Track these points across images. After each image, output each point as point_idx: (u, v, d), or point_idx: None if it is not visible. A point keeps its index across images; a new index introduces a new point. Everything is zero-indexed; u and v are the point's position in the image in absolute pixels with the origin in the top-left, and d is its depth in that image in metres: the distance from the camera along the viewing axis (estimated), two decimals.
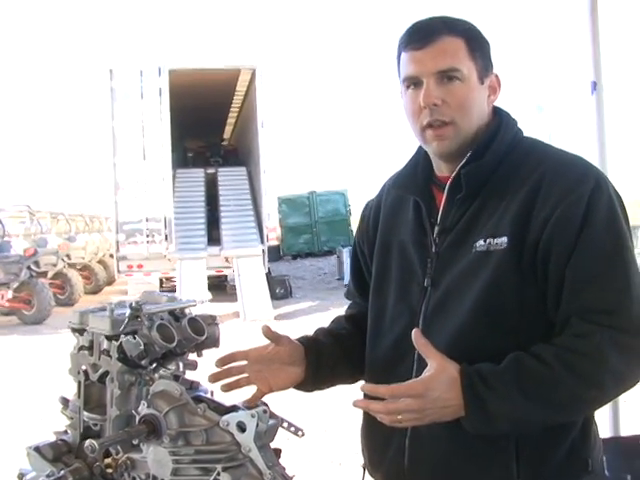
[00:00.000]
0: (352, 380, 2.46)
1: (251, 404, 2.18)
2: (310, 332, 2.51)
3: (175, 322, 2.17)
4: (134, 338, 2.05)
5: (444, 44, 2.13)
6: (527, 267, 2.05)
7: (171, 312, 2.20)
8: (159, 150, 20.71)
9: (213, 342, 2.23)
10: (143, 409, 1.97)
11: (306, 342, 2.40)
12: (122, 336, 2.07)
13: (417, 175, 2.32)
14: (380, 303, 2.36)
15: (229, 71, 23.16)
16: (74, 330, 2.21)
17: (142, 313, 2.09)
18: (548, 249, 2.03)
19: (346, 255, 26.08)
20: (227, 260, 20.66)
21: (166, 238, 20.65)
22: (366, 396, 2.07)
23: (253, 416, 1.90)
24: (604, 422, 4.05)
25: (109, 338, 2.10)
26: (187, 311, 2.25)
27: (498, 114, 2.26)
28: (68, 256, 22.57)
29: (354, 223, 34.80)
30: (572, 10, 4.60)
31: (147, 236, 20.64)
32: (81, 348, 2.19)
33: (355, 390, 2.09)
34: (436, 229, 2.24)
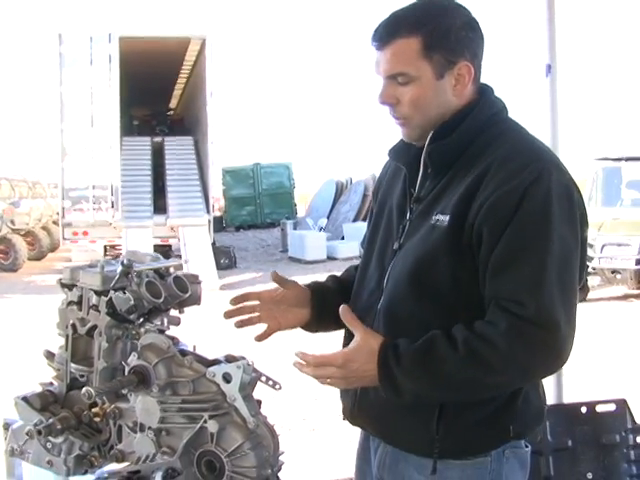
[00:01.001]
0: None
1: (262, 339, 2.50)
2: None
3: (160, 280, 2.28)
4: (124, 294, 2.16)
5: (396, 47, 2.25)
6: (466, 248, 2.18)
7: (156, 270, 2.31)
8: (107, 117, 20.60)
9: (195, 299, 2.34)
10: (133, 360, 2.08)
11: (313, 287, 2.64)
12: (112, 292, 2.18)
13: (411, 145, 2.42)
14: (368, 256, 2.54)
15: (179, 40, 23.10)
16: (63, 285, 2.29)
17: (132, 270, 2.20)
18: (480, 233, 2.15)
19: (290, 228, 26.21)
20: (173, 229, 20.65)
21: (112, 206, 20.60)
22: None
23: (239, 367, 2.03)
24: (548, 389, 4.22)
25: (98, 293, 2.19)
26: (171, 270, 2.36)
27: (482, 94, 2.36)
28: (12, 221, 22.36)
29: (297, 196, 34.82)
30: None
31: (93, 203, 20.57)
32: (70, 303, 2.28)
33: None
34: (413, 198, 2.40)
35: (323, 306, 2.56)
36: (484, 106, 2.33)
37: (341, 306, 2.28)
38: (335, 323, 2.44)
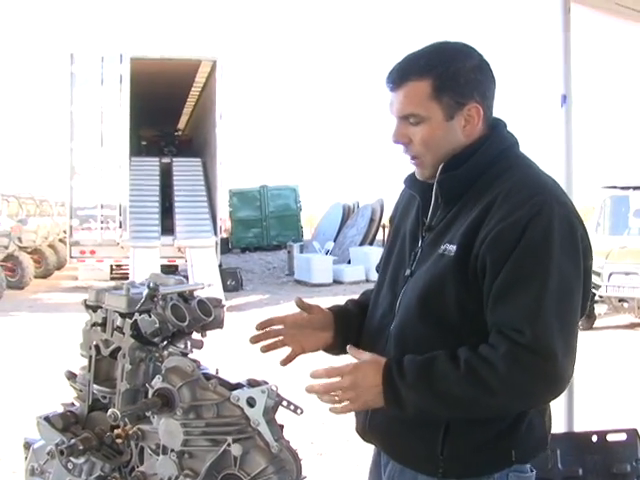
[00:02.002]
0: None
1: (286, 363, 2.57)
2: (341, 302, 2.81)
3: (184, 303, 2.30)
4: (149, 316, 2.18)
5: (408, 89, 2.36)
6: (472, 277, 2.28)
7: (180, 294, 2.34)
8: (117, 137, 20.65)
9: (218, 323, 2.38)
10: (157, 383, 2.11)
11: (336, 310, 2.70)
12: (136, 314, 2.20)
13: None
14: (381, 280, 2.64)
15: (190, 61, 23.14)
16: (88, 307, 2.32)
17: (158, 293, 2.22)
18: (484, 263, 2.24)
19: (296, 250, 26.20)
20: (180, 250, 20.65)
21: (120, 225, 20.62)
22: None
23: (263, 392, 2.06)
24: (558, 417, 4.23)
25: (123, 315, 2.22)
26: (195, 293, 2.38)
27: (493, 129, 2.46)
28: (20, 239, 22.34)
29: (304, 219, 34.80)
30: (544, 24, 4.77)
31: (101, 222, 20.60)
32: (94, 324, 2.31)
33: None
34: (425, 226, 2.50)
35: (346, 329, 2.63)
36: (495, 141, 2.43)
37: (348, 346, 2.37)
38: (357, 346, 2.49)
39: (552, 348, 2.13)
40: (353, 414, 2.58)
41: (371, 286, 2.75)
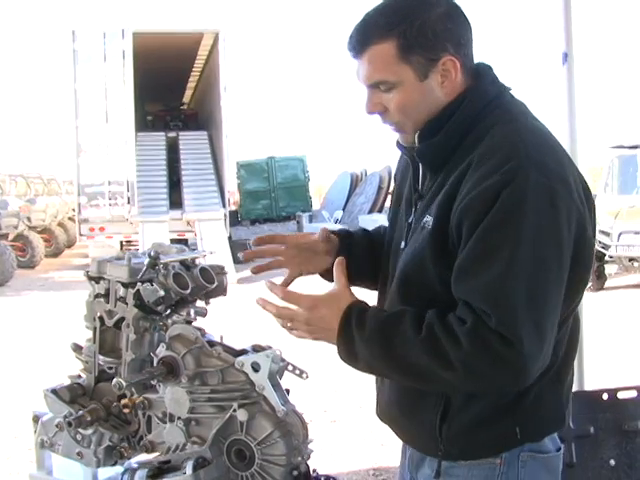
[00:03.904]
0: (375, 287, 2.52)
1: (285, 284, 2.38)
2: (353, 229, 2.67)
3: (187, 271, 2.29)
4: (151, 285, 2.18)
5: (371, 54, 2.12)
6: (452, 251, 2.06)
7: (182, 262, 2.33)
8: (122, 113, 20.62)
9: (222, 290, 2.36)
10: (162, 351, 2.11)
11: (343, 236, 2.57)
12: (139, 284, 2.20)
13: None
14: (386, 251, 2.46)
15: (192, 35, 23.11)
16: (90, 278, 2.30)
17: (159, 262, 2.21)
18: (459, 234, 2.03)
19: (305, 220, 26.24)
20: (189, 223, 20.70)
21: (128, 201, 20.66)
22: None
23: (267, 357, 2.05)
24: None
25: (126, 285, 2.21)
26: (197, 261, 2.38)
27: (477, 80, 2.20)
28: (29, 218, 22.47)
29: (312, 189, 34.81)
30: None
31: (109, 199, 20.64)
32: (97, 296, 2.30)
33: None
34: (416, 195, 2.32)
35: (348, 258, 2.33)
36: (475, 97, 2.18)
37: (338, 258, 2.25)
38: (354, 278, 2.31)
39: (517, 335, 1.89)
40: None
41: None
